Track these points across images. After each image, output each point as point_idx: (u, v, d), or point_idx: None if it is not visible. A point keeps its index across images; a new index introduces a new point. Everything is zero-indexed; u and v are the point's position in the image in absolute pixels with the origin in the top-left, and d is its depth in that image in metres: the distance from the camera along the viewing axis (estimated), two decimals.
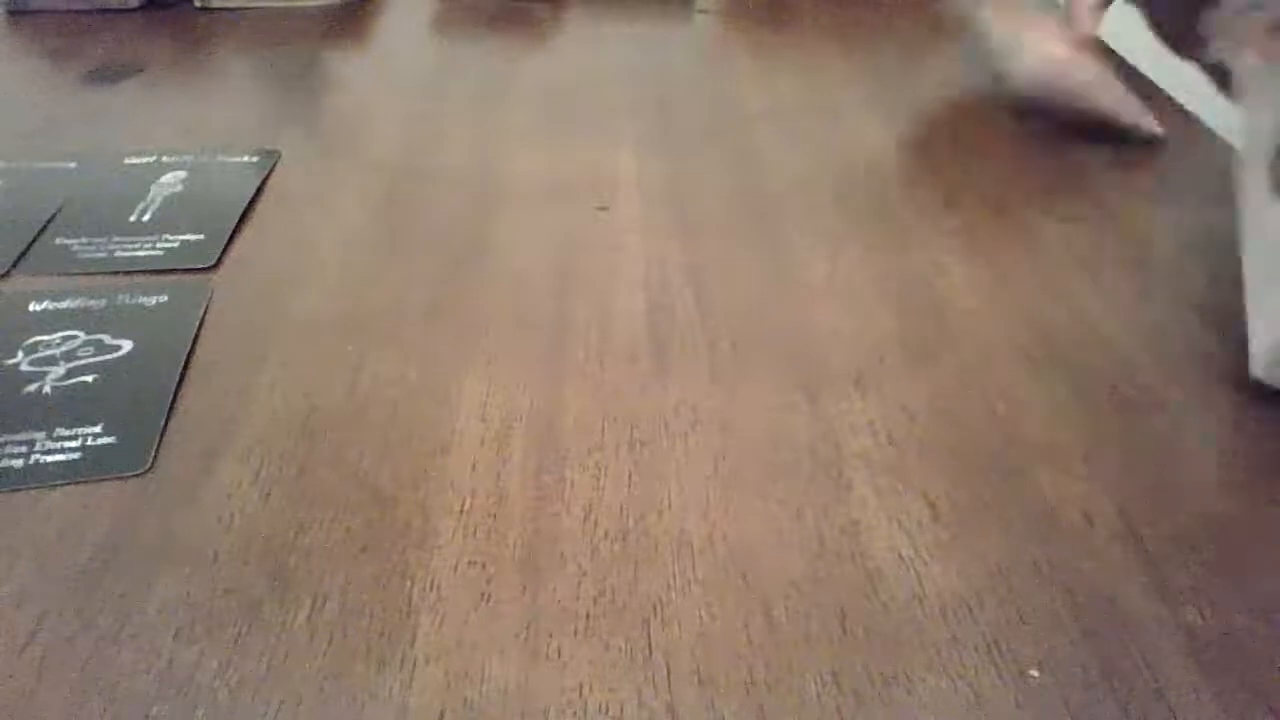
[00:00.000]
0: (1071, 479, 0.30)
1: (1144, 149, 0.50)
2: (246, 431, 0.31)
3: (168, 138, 0.50)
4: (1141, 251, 0.41)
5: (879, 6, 0.68)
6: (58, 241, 0.41)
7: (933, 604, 0.26)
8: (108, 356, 0.35)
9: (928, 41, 0.64)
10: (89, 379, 0.33)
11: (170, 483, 0.30)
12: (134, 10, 0.67)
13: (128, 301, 0.37)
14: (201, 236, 0.42)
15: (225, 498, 0.29)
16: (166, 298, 0.38)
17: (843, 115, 0.53)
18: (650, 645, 0.25)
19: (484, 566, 0.27)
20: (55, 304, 0.37)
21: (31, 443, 0.31)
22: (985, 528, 0.28)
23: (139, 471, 0.30)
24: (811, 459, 0.31)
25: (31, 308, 0.37)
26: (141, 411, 0.32)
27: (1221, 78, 0.40)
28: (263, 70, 0.59)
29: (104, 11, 0.67)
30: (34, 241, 0.41)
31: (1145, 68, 0.57)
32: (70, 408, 0.32)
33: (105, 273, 0.39)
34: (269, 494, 0.29)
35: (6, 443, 0.31)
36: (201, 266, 0.40)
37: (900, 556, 0.27)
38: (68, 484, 0.29)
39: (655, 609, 0.26)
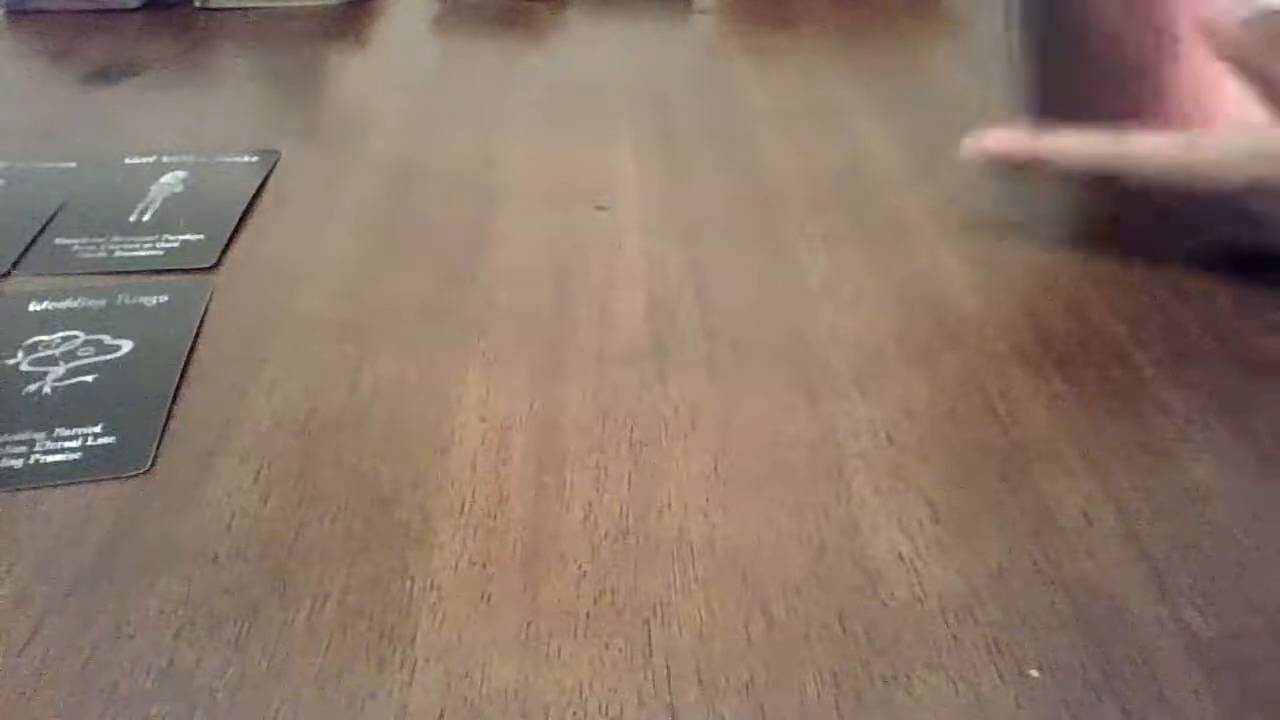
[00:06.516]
0: (1071, 479, 0.30)
1: None
2: (246, 431, 0.31)
3: (168, 138, 0.50)
4: (1143, 247, 0.41)
5: (879, 6, 0.68)
6: (58, 241, 0.41)
7: (933, 604, 0.26)
8: (108, 356, 0.35)
9: (928, 41, 0.64)
10: (89, 379, 0.33)
11: (170, 483, 0.30)
12: (134, 10, 0.67)
13: (128, 301, 0.37)
14: (201, 236, 0.42)
15: (225, 498, 0.29)
16: (166, 298, 0.38)
17: (843, 115, 0.53)
18: (650, 645, 0.25)
19: (484, 566, 0.27)
20: (55, 304, 0.37)
21: (31, 443, 0.31)
22: (985, 528, 0.28)
23: (139, 471, 0.30)
24: (811, 459, 0.31)
25: (31, 308, 0.37)
26: (141, 411, 0.32)
27: None
28: (263, 70, 0.59)
29: (104, 11, 0.67)
30: (34, 241, 0.41)
31: None
32: (70, 408, 0.32)
33: (105, 273, 0.39)
34: (269, 494, 0.29)
35: (6, 443, 0.31)
36: (201, 266, 0.40)
37: (900, 556, 0.27)
38: (68, 484, 0.29)
39: (655, 609, 0.26)
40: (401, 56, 0.62)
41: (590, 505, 0.29)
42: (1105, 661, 0.25)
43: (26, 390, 0.33)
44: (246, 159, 0.48)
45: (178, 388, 0.33)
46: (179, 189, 0.45)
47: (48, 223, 0.43)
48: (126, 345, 0.35)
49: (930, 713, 0.23)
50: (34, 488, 0.29)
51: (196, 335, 0.36)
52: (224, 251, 0.41)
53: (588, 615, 0.26)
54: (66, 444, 0.31)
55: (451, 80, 0.58)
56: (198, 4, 0.68)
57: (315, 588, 0.26)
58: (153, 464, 0.30)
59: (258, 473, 0.30)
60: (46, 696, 0.24)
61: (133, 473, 0.30)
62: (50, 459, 0.30)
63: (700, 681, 0.24)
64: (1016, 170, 0.41)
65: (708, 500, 0.29)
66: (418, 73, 0.59)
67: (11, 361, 0.34)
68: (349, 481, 0.30)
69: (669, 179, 0.47)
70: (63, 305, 0.37)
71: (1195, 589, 0.26)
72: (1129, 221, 0.43)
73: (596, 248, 0.41)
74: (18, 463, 0.30)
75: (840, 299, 0.38)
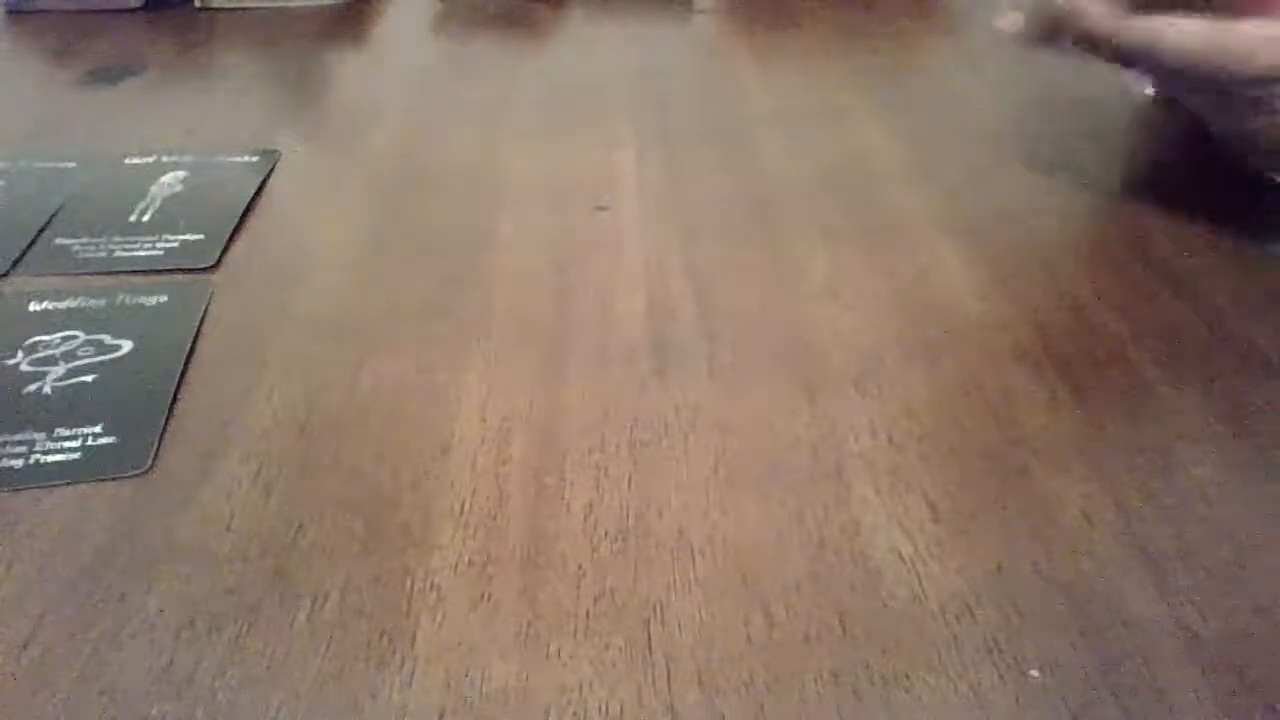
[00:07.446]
0: (1071, 479, 0.30)
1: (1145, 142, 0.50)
2: (246, 431, 0.31)
3: (168, 138, 0.50)
4: (1144, 247, 0.41)
5: (879, 6, 0.68)
6: (58, 241, 0.41)
7: (933, 604, 0.26)
8: (108, 356, 0.35)
9: (928, 41, 0.64)
10: (89, 379, 0.33)
11: (170, 483, 0.30)
12: (134, 10, 0.67)
13: (128, 301, 0.37)
14: (201, 236, 0.42)
15: (225, 498, 0.29)
16: (166, 298, 0.38)
17: (843, 115, 0.53)
18: (650, 645, 0.25)
19: (484, 566, 0.27)
20: (55, 304, 0.37)
21: (31, 443, 0.31)
22: (985, 528, 0.28)
23: (139, 471, 0.30)
24: (811, 459, 0.31)
25: (31, 308, 0.37)
26: (141, 411, 0.32)
27: None
28: (263, 70, 0.59)
29: (104, 11, 0.67)
30: (34, 241, 0.41)
31: None
32: (70, 408, 0.32)
33: (105, 273, 0.39)
34: (269, 494, 0.29)
35: (6, 443, 0.31)
36: (201, 266, 0.40)
37: (900, 556, 0.27)
38: (68, 484, 0.29)
39: (655, 609, 0.26)
40: (401, 56, 0.62)
41: (590, 505, 0.29)
42: (1105, 661, 0.25)
43: (26, 390, 0.33)
44: (246, 159, 0.48)
45: (178, 388, 0.33)
46: (179, 189, 0.45)
47: (48, 223, 0.42)
48: (126, 345, 0.35)
49: (930, 713, 0.23)
50: (34, 488, 0.29)
51: (196, 335, 0.36)
52: (224, 251, 0.41)
53: (588, 615, 0.26)
54: (66, 444, 0.31)
55: (451, 80, 0.58)
56: (198, 4, 0.68)
57: (315, 588, 0.26)
58: (153, 464, 0.30)
59: (258, 473, 0.30)
60: (46, 696, 0.24)
61: (133, 473, 0.30)
62: (50, 459, 0.30)
63: (700, 681, 0.24)
64: (1045, 43, 0.42)
65: (708, 500, 0.29)
66: (418, 73, 0.59)
67: (11, 361, 0.34)
68: (349, 481, 0.30)
69: (669, 179, 0.47)
70: (63, 305, 0.37)
71: (1195, 589, 0.26)
72: (1129, 221, 0.43)
73: (596, 248, 0.41)
74: (18, 463, 0.30)
75: (840, 299, 0.38)
